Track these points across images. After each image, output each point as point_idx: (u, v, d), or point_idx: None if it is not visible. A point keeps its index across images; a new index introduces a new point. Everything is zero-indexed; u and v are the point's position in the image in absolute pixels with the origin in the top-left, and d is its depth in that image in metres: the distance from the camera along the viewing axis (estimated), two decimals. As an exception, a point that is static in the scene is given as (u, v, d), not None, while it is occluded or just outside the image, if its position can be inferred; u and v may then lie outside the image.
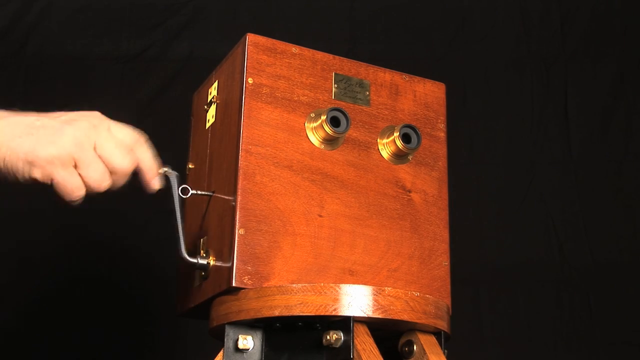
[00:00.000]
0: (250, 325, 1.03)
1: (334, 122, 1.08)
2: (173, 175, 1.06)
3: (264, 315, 0.99)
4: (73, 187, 0.93)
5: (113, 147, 0.95)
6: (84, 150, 0.93)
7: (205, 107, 1.22)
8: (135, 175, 1.00)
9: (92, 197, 0.96)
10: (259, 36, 1.11)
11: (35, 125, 0.93)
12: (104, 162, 0.95)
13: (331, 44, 1.66)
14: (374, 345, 0.97)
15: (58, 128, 0.93)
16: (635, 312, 1.99)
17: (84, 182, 0.94)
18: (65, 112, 0.97)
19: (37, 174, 0.92)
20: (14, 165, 0.92)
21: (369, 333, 0.99)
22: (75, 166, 0.94)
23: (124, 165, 0.96)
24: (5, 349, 1.88)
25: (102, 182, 0.95)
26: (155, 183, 1.01)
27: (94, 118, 0.97)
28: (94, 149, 0.94)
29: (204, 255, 1.10)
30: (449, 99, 1.23)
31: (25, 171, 0.92)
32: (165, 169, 1.05)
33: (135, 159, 0.98)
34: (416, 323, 1.02)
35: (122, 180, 0.98)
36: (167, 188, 1.05)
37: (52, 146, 0.92)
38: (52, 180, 0.93)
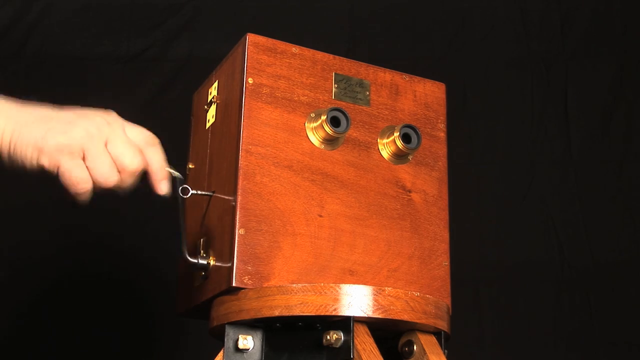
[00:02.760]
0: (250, 325, 1.03)
1: (334, 122, 1.08)
2: (178, 177, 1.05)
3: (264, 315, 0.99)
4: (78, 178, 0.92)
5: (124, 145, 0.94)
6: (94, 142, 0.92)
7: (205, 107, 1.22)
8: (144, 178, 0.99)
9: (99, 194, 0.95)
10: (259, 36, 1.11)
11: (49, 115, 0.93)
12: (113, 158, 0.94)
13: (331, 44, 1.66)
14: (374, 345, 0.97)
15: (71, 120, 0.93)
16: (635, 312, 1.99)
17: (91, 175, 0.93)
18: (82, 108, 0.97)
19: (44, 161, 0.91)
20: (22, 151, 0.91)
21: (369, 333, 0.99)
22: (84, 159, 0.92)
23: (133, 165, 0.95)
24: (5, 349, 1.88)
25: (109, 177, 0.93)
26: (163, 186, 1.00)
27: (109, 116, 0.96)
28: (105, 144, 0.93)
29: (204, 255, 1.10)
30: (449, 99, 1.23)
31: (34, 158, 0.91)
32: (171, 170, 1.04)
33: (144, 160, 0.97)
34: (416, 323, 1.02)
35: (129, 180, 0.96)
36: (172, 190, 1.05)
37: (63, 135, 0.91)
38: (58, 169, 0.92)
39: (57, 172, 0.92)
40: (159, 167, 0.99)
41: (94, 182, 0.93)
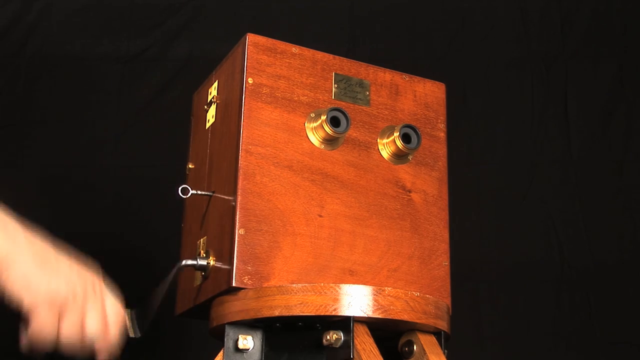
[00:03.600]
0: (250, 325, 1.03)
1: (334, 122, 1.08)
2: (132, 316, 1.07)
3: (264, 315, 0.99)
4: (46, 334, 0.93)
5: (97, 317, 0.95)
6: (75, 306, 0.93)
7: (205, 107, 1.22)
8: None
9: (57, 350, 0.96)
10: (259, 36, 1.11)
11: (39, 256, 0.93)
12: (82, 324, 0.94)
13: (331, 44, 1.66)
14: (374, 345, 0.97)
15: (64, 270, 0.94)
16: (635, 312, 1.99)
17: (57, 332, 0.93)
18: (70, 255, 0.97)
19: (25, 302, 0.91)
20: (11, 287, 0.91)
21: (369, 333, 0.99)
22: (60, 314, 0.93)
23: (94, 338, 0.96)
24: (5, 350, 1.88)
25: (72, 341, 0.94)
26: (101, 357, 1.00)
27: (95, 275, 0.98)
28: (83, 306, 0.94)
29: (204, 255, 1.10)
30: (449, 99, 1.23)
31: (16, 293, 0.91)
32: (128, 312, 1.06)
33: (105, 333, 0.98)
34: (416, 323, 1.02)
35: (85, 347, 0.97)
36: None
37: (46, 283, 0.91)
38: (32, 316, 0.92)
39: (30, 318, 0.92)
40: (110, 346, 0.99)
41: (56, 339, 0.94)
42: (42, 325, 0.92)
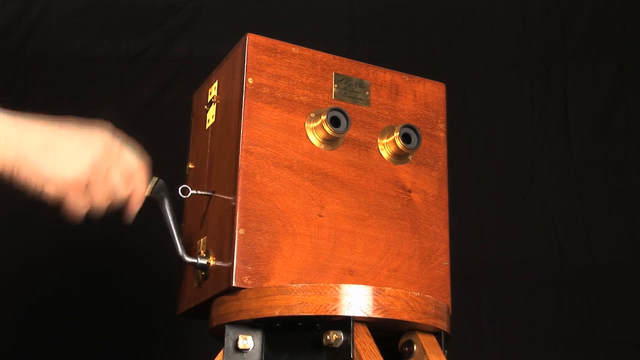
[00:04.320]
0: (250, 325, 1.03)
1: (334, 122, 1.08)
2: (163, 184, 1.10)
3: (264, 315, 0.99)
4: (80, 208, 0.99)
5: (119, 176, 1.01)
6: (98, 176, 0.98)
7: (205, 107, 1.22)
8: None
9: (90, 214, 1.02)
10: (259, 36, 1.11)
11: (53, 143, 0.96)
12: (109, 189, 1.01)
13: (331, 44, 1.66)
14: (374, 345, 0.97)
15: (76, 150, 0.97)
16: (635, 312, 1.99)
17: (89, 202, 1.00)
18: (78, 121, 1.00)
19: (51, 192, 0.96)
20: (27, 178, 0.95)
21: (369, 333, 0.99)
22: (86, 188, 0.99)
23: (122, 195, 1.03)
24: (5, 350, 1.88)
25: (103, 205, 1.02)
26: (134, 210, 1.07)
27: (107, 137, 1.01)
28: (105, 174, 1.00)
29: (204, 255, 1.10)
30: (449, 99, 1.23)
31: (38, 187, 0.95)
32: (155, 180, 1.09)
33: (132, 189, 1.04)
34: (416, 323, 1.02)
35: (117, 205, 1.05)
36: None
37: (70, 170, 0.96)
38: (62, 200, 0.97)
39: (61, 202, 0.98)
40: (140, 197, 1.06)
41: (89, 209, 1.01)
42: (74, 206, 0.98)
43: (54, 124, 0.98)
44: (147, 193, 1.08)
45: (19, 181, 0.95)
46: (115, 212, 1.06)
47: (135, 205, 1.06)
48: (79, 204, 0.99)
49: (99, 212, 1.02)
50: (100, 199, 1.00)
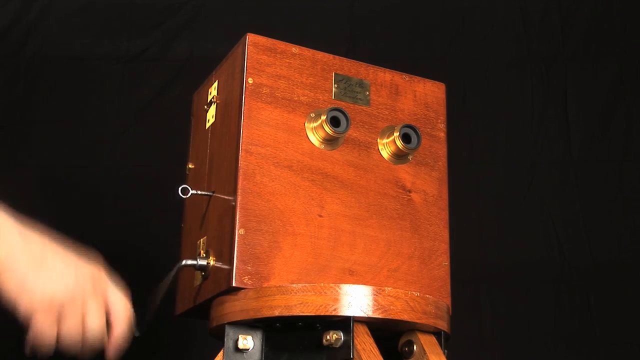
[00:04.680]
0: (250, 325, 1.03)
1: (334, 122, 1.08)
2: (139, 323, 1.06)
3: (264, 315, 0.99)
4: (46, 337, 0.92)
5: (98, 313, 0.94)
6: (74, 306, 0.92)
7: (205, 107, 1.22)
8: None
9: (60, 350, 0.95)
10: (259, 36, 1.11)
11: (45, 260, 0.92)
12: (83, 323, 0.94)
13: (331, 44, 1.66)
14: (374, 345, 0.97)
15: (61, 269, 0.92)
16: (635, 312, 1.99)
17: (58, 334, 0.93)
18: (73, 249, 0.96)
19: (21, 307, 0.90)
20: (7, 287, 0.90)
21: (369, 333, 0.99)
22: (59, 315, 0.92)
23: (98, 336, 0.95)
24: (6, 349, 1.88)
25: (73, 341, 0.94)
26: (110, 356, 0.99)
27: (95, 270, 0.96)
28: (83, 303, 0.93)
29: (204, 255, 1.10)
30: (449, 99, 1.23)
31: (13, 296, 0.90)
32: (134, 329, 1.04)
33: (111, 330, 0.97)
34: (416, 323, 1.02)
35: (89, 346, 0.96)
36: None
37: (49, 287, 0.90)
38: (31, 320, 0.91)
39: (29, 322, 0.91)
40: (119, 341, 0.98)
41: (57, 341, 0.93)
42: (41, 329, 0.91)
43: (44, 239, 0.93)
44: (134, 334, 1.03)
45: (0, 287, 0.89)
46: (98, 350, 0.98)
47: (113, 349, 0.98)
48: (46, 329, 0.91)
49: (73, 346, 0.93)
50: (71, 336, 0.92)
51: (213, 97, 1.19)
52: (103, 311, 0.95)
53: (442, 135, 1.20)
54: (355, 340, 0.96)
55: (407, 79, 1.20)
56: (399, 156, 1.14)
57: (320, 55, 1.14)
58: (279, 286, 1.00)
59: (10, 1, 2.07)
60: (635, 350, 1.98)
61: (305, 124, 1.10)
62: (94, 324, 0.94)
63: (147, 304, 1.06)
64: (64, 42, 2.07)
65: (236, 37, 1.13)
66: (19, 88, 2.02)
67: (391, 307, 0.99)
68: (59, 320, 0.92)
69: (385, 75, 1.18)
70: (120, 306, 0.98)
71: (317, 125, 1.09)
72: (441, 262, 1.14)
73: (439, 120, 1.21)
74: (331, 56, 1.15)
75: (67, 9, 2.10)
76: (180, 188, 1.11)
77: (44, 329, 0.91)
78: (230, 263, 1.02)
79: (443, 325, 1.05)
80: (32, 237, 0.93)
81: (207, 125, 1.20)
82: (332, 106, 1.09)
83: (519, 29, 2.18)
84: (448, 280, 1.14)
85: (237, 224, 1.02)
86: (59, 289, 0.91)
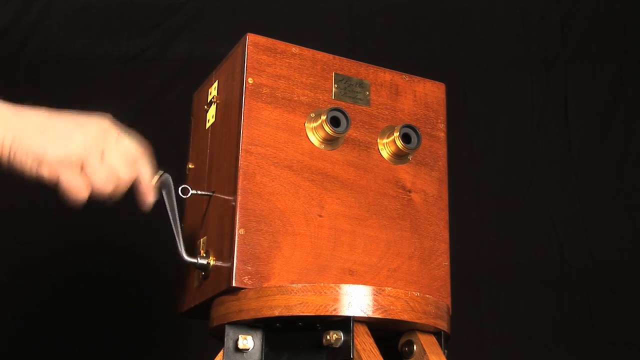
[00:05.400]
0: (250, 325, 1.03)
1: (334, 122, 1.08)
2: (169, 178, 1.08)
3: (264, 315, 0.99)
4: (77, 188, 0.98)
5: (118, 157, 1.00)
6: (92, 155, 0.97)
7: (205, 107, 1.22)
8: (131, 188, 1.04)
9: (95, 200, 1.00)
10: (259, 36, 1.11)
11: (47, 124, 0.97)
12: (108, 169, 0.99)
13: (331, 44, 1.66)
14: (374, 345, 0.97)
15: (69, 130, 0.97)
16: (635, 312, 1.99)
17: (88, 184, 0.98)
18: (78, 112, 1.01)
19: (45, 172, 0.96)
20: (22, 160, 0.95)
21: (369, 333, 0.99)
22: (82, 169, 0.98)
23: (126, 176, 1.01)
24: (5, 350, 1.88)
25: (104, 187, 0.99)
26: (149, 198, 1.05)
27: (104, 123, 1.01)
28: (102, 154, 0.98)
29: (204, 255, 1.10)
30: (449, 99, 1.23)
31: (33, 167, 0.96)
32: (161, 173, 1.07)
33: (135, 172, 1.02)
34: (416, 323, 1.02)
35: (122, 189, 1.02)
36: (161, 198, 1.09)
37: (62, 148, 0.96)
38: (57, 179, 0.97)
39: (57, 182, 0.97)
40: (147, 180, 1.04)
41: (91, 191, 0.99)
42: (70, 185, 0.97)
43: (52, 111, 0.98)
44: (152, 182, 1.06)
45: (15, 164, 0.95)
46: (123, 203, 1.05)
47: (148, 192, 1.04)
48: (75, 185, 0.97)
49: (103, 195, 1.00)
50: (100, 181, 0.98)
51: (213, 97, 1.19)
52: (124, 159, 1.00)
53: (442, 135, 1.20)
54: (355, 340, 0.96)
55: (407, 79, 1.20)
56: (399, 156, 1.14)
57: (320, 55, 1.14)
58: (279, 286, 1.00)
59: (10, 1, 2.07)
60: (634, 350, 1.98)
61: (305, 124, 1.10)
62: (120, 172, 0.99)
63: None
64: (64, 42, 2.08)
65: (236, 37, 1.13)
66: (19, 88, 2.02)
67: (391, 307, 0.99)
68: (83, 172, 0.97)
69: (385, 75, 1.18)
70: (133, 150, 1.02)
71: (317, 125, 1.09)
72: (441, 262, 1.14)
73: (439, 120, 1.21)
74: (331, 56, 1.15)
75: (67, 9, 2.10)
76: (180, 188, 1.11)
77: (71, 183, 0.97)
78: (230, 263, 1.02)
79: (443, 325, 1.05)
80: (29, 112, 0.97)
81: (207, 125, 1.20)
82: (332, 106, 1.09)
83: (519, 29, 2.18)
84: (448, 280, 1.14)
85: (237, 224, 1.02)
86: (72, 147, 0.96)
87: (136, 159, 1.02)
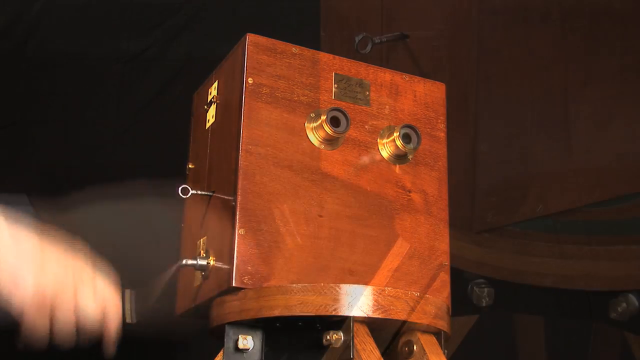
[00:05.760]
0: (250, 325, 1.03)
1: (334, 122, 1.08)
2: (132, 294, 1.06)
3: (264, 315, 0.99)
4: (39, 331, 0.93)
5: (90, 297, 0.95)
6: (65, 295, 0.93)
7: (205, 107, 1.22)
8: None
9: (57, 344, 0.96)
10: (259, 36, 1.11)
11: (34, 252, 0.92)
12: (76, 310, 0.94)
13: (331, 44, 1.66)
14: (374, 345, 0.97)
15: (51, 266, 0.93)
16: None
17: (51, 325, 0.94)
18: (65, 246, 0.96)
19: (15, 303, 0.91)
20: (3, 286, 0.90)
21: (369, 333, 0.99)
22: (52, 307, 0.93)
23: (93, 320, 0.96)
24: (6, 349, 1.88)
25: (67, 332, 0.95)
26: (111, 348, 0.99)
27: (84, 265, 0.97)
28: (74, 292, 0.94)
29: (204, 255, 1.10)
30: (449, 99, 1.23)
31: (6, 289, 0.90)
32: (128, 294, 1.05)
33: (103, 311, 0.97)
34: (416, 323, 1.02)
35: (86, 331, 0.97)
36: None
37: (39, 281, 0.91)
38: (23, 315, 0.92)
39: (22, 316, 0.92)
40: (114, 330, 0.99)
41: (50, 333, 0.94)
42: (33, 324, 0.92)
43: (32, 235, 0.94)
44: (129, 320, 1.03)
45: None
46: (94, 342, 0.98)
47: (111, 338, 0.98)
48: (39, 323, 0.92)
49: (67, 338, 0.94)
50: (65, 326, 0.93)
51: (213, 97, 1.19)
52: (95, 299, 0.96)
53: (442, 135, 1.20)
54: (355, 340, 0.96)
55: (407, 79, 1.20)
56: (399, 156, 1.14)
57: (320, 55, 1.14)
58: (279, 286, 1.00)
59: (10, 1, 2.07)
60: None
61: (305, 124, 1.10)
62: (88, 311, 0.95)
63: (146, 294, 1.06)
64: (64, 42, 2.08)
65: (236, 37, 1.13)
66: (19, 88, 2.02)
67: (391, 307, 0.99)
68: (52, 313, 0.93)
69: (385, 75, 1.18)
70: (107, 294, 0.98)
71: (317, 125, 1.09)
72: (441, 262, 1.14)
73: (439, 120, 1.21)
74: (331, 56, 1.15)
75: (67, 9, 2.10)
76: (180, 188, 1.10)
77: (36, 322, 0.92)
78: (230, 263, 1.02)
79: (443, 325, 1.05)
80: (22, 236, 0.93)
81: (207, 125, 1.20)
82: (332, 106, 1.09)
83: (519, 28, 2.18)
84: (448, 280, 1.14)
85: (237, 224, 1.02)
86: (49, 283, 0.92)
87: (105, 299, 0.97)
